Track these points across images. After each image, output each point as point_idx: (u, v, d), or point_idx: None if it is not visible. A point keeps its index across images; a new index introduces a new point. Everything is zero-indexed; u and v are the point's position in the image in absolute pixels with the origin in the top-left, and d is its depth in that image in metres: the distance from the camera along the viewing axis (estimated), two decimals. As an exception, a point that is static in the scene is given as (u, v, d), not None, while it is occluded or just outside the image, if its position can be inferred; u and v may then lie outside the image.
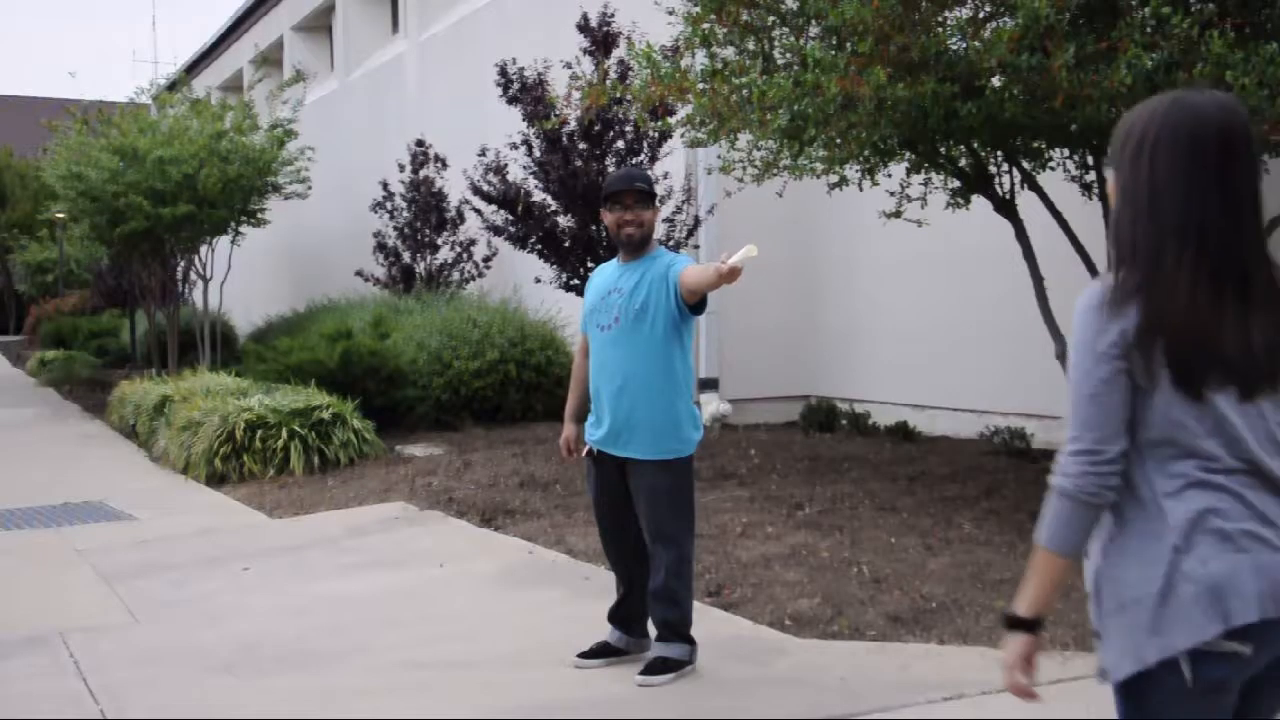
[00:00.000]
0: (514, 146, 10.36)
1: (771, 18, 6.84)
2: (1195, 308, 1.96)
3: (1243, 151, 1.99)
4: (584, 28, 9.98)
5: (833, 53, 6.04)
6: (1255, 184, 2.02)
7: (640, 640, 4.72)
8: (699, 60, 7.07)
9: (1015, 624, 2.12)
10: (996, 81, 6.12)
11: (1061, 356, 7.40)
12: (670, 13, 7.18)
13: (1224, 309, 1.96)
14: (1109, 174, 2.11)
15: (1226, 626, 1.91)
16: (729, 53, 7.01)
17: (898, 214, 7.68)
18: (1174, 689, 1.94)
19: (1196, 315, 1.96)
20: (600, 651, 4.73)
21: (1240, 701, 2.01)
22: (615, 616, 4.77)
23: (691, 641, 4.57)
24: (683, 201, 10.32)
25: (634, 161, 9.94)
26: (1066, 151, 7.31)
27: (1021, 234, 7.45)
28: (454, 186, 13.77)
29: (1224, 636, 1.91)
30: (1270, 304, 1.99)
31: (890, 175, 7.51)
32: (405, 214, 15.09)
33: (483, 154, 10.68)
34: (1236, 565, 1.93)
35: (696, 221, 10.35)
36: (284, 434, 9.60)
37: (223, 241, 17.92)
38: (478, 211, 11.23)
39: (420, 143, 15.08)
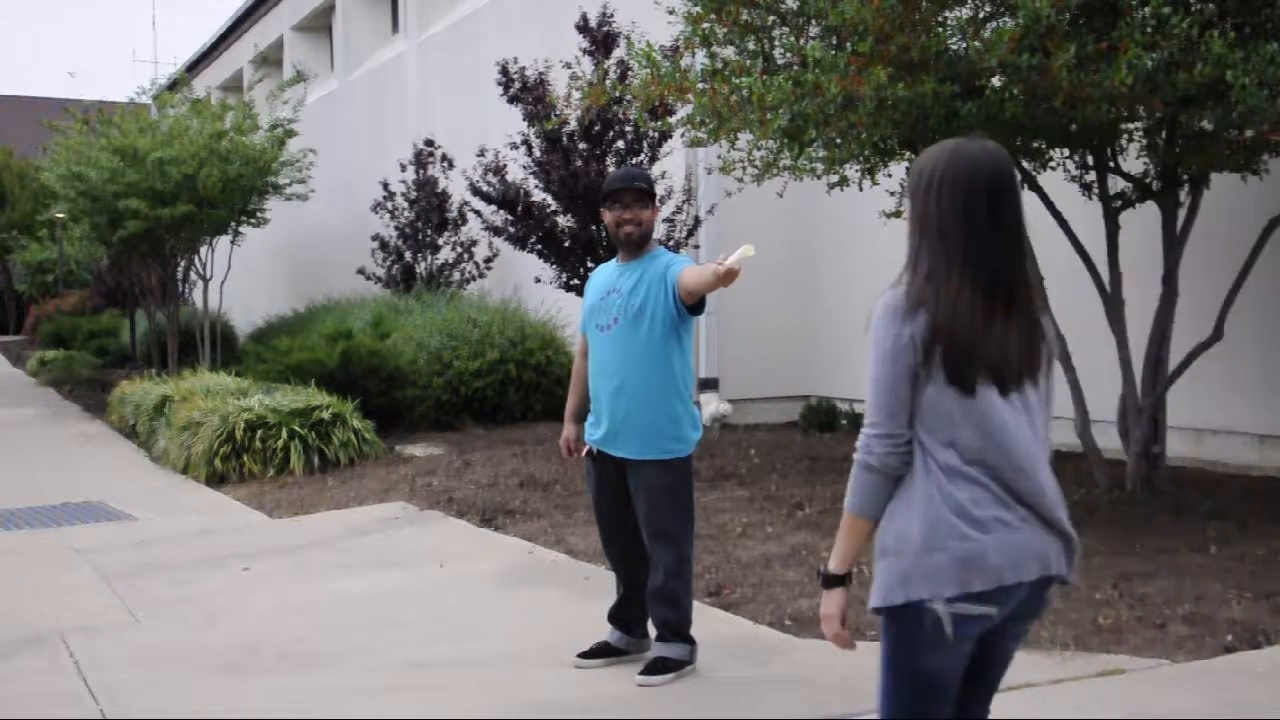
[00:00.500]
0: (514, 146, 10.36)
1: (771, 17, 6.84)
2: (968, 317, 2.37)
3: (1008, 192, 2.43)
4: (583, 28, 9.98)
5: (833, 52, 6.04)
6: (1018, 217, 2.44)
7: (640, 640, 4.71)
8: (699, 60, 7.07)
9: (831, 581, 2.52)
10: (996, 81, 6.12)
11: (1062, 356, 7.41)
12: (670, 12, 7.18)
13: (991, 319, 2.39)
14: (906, 205, 2.50)
15: (964, 591, 2.33)
16: (729, 52, 7.01)
17: (898, 214, 7.67)
18: (925, 632, 2.35)
19: (969, 323, 2.38)
20: (600, 652, 4.73)
21: (978, 649, 2.43)
22: (615, 617, 4.77)
23: (691, 641, 4.57)
24: (683, 201, 10.32)
25: (634, 161, 9.94)
26: (1066, 151, 7.31)
27: (1021, 234, 7.45)
28: (456, 186, 13.77)
29: (965, 599, 2.33)
30: (1025, 315, 2.45)
31: (890, 175, 7.50)
32: (407, 214, 15.08)
33: (482, 154, 10.68)
34: (982, 545, 2.35)
35: (696, 221, 10.35)
36: (284, 434, 9.60)
37: (223, 241, 17.92)
38: (477, 212, 11.23)
39: (430, 142, 15.07)
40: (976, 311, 2.39)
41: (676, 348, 4.46)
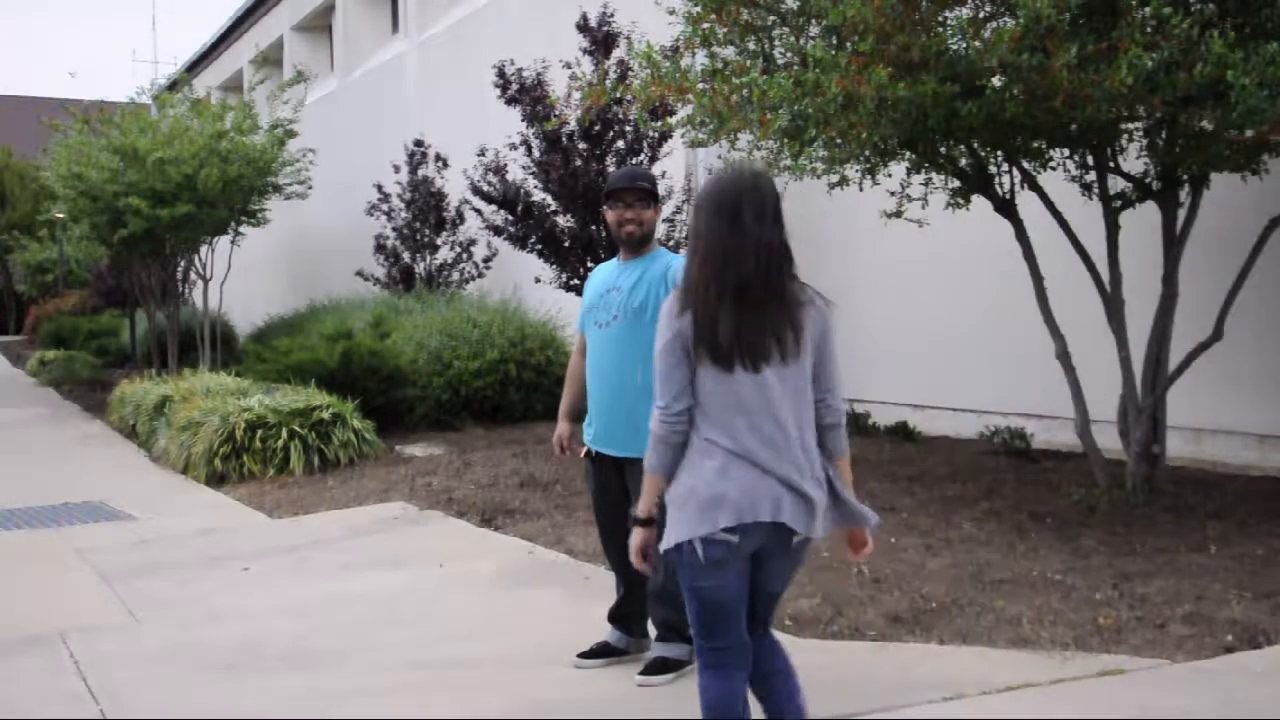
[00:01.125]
0: (513, 147, 10.36)
1: (772, 17, 6.84)
2: (720, 313, 3.03)
3: (752, 205, 3.08)
4: (583, 28, 9.98)
5: (833, 52, 6.04)
6: (760, 229, 3.07)
7: (640, 640, 4.71)
8: (699, 60, 7.07)
9: (638, 522, 3.24)
10: (997, 81, 6.12)
11: (1062, 356, 7.41)
12: (671, 12, 7.18)
13: (741, 313, 3.03)
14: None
15: (715, 528, 3.03)
16: (729, 52, 7.00)
17: (898, 214, 7.67)
18: (692, 560, 3.08)
19: (718, 316, 3.03)
20: (600, 652, 4.73)
21: (752, 567, 3.17)
22: (615, 616, 4.77)
23: (691, 641, 4.56)
24: (683, 201, 10.32)
25: (634, 161, 9.94)
26: (1066, 151, 7.31)
27: (1021, 234, 7.45)
28: (454, 186, 13.77)
29: (715, 533, 3.03)
30: (777, 306, 3.10)
31: (890, 175, 7.50)
32: (404, 215, 15.08)
33: (482, 154, 10.68)
34: (727, 492, 3.04)
35: (696, 221, 10.35)
36: (284, 434, 9.60)
37: (223, 241, 17.92)
38: (477, 211, 11.23)
39: (419, 143, 15.06)
40: (728, 308, 3.03)
41: None
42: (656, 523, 3.19)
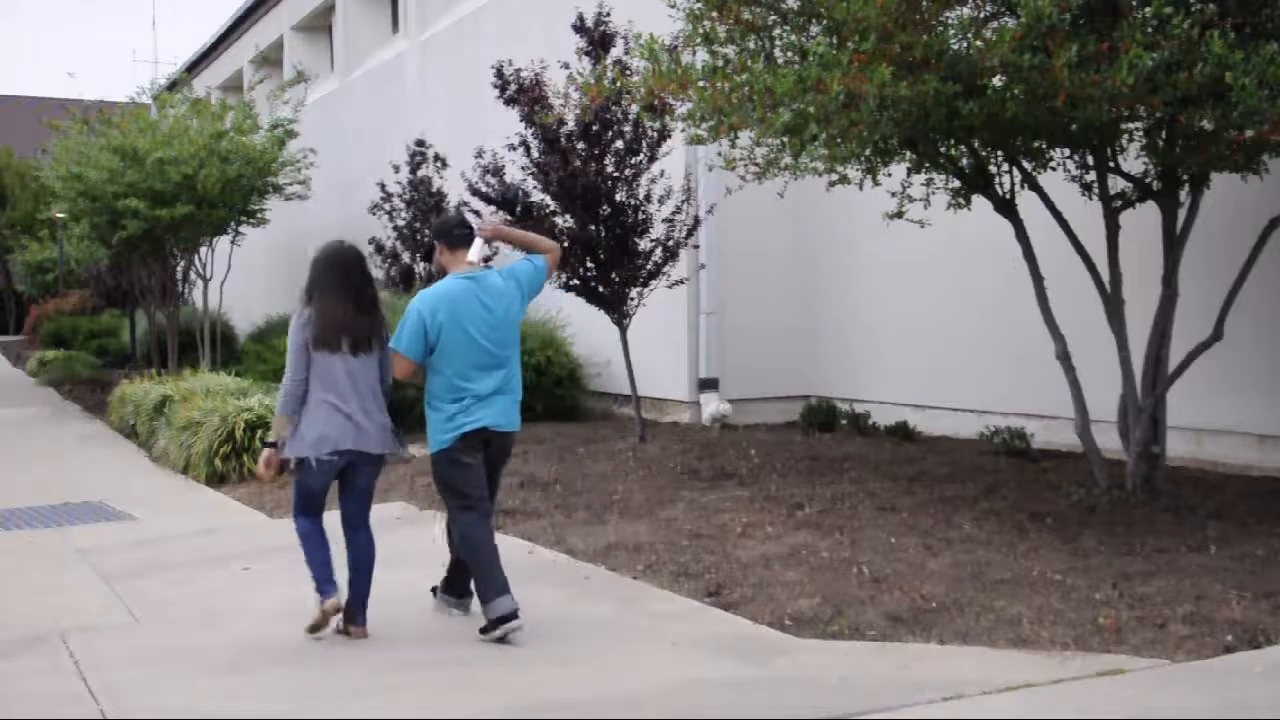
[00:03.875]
0: (512, 148, 10.34)
1: (772, 16, 6.84)
2: (331, 315, 5.15)
3: (349, 265, 5.27)
4: (580, 28, 9.96)
5: (834, 50, 6.03)
6: (354, 277, 5.26)
7: (464, 600, 5.52)
8: (700, 58, 7.07)
9: (267, 445, 5.28)
10: (998, 81, 6.12)
11: (1063, 356, 7.41)
12: (672, 6, 7.17)
13: (346, 315, 5.16)
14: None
15: (316, 454, 5.10)
16: (730, 50, 7.00)
17: (899, 214, 7.67)
18: (310, 470, 5.15)
19: (332, 319, 5.15)
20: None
21: (340, 478, 5.26)
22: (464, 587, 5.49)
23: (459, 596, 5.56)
24: (682, 201, 10.30)
25: (633, 161, 9.93)
26: (1067, 151, 7.31)
27: (1021, 234, 7.45)
28: (454, 187, 13.76)
29: (323, 456, 5.12)
30: (365, 314, 5.23)
31: (891, 175, 7.50)
32: (404, 215, 15.06)
33: (479, 155, 10.66)
34: (328, 431, 5.11)
35: (696, 221, 10.35)
36: (284, 434, 9.59)
37: (223, 241, 17.91)
38: (476, 213, 11.21)
39: (420, 143, 15.05)
40: (334, 316, 5.17)
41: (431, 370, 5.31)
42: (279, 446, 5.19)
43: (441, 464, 5.26)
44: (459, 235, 5.30)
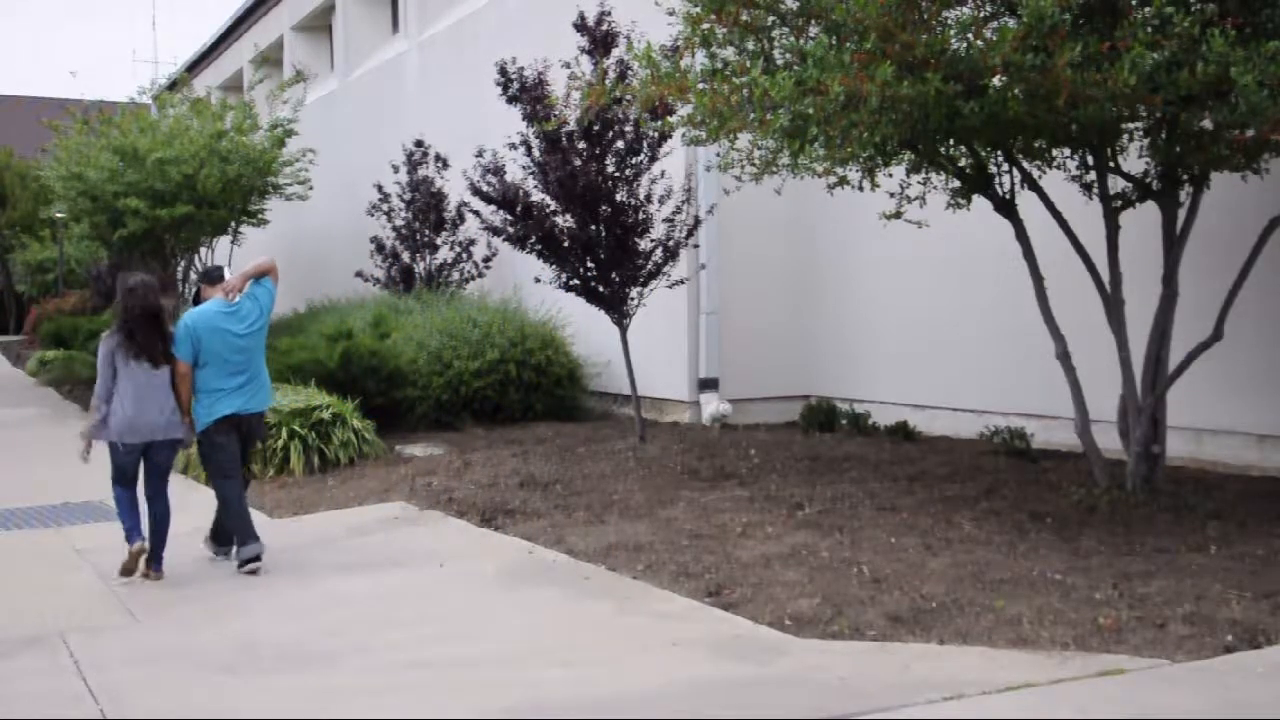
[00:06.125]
0: (513, 147, 10.34)
1: (771, 18, 6.84)
2: (128, 336, 6.48)
3: (140, 292, 6.53)
4: (581, 27, 9.96)
5: (834, 51, 6.03)
6: (141, 300, 6.52)
7: (227, 549, 6.86)
8: (699, 60, 7.07)
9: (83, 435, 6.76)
10: (998, 81, 6.12)
11: (1063, 356, 7.41)
12: (670, 13, 7.18)
13: (134, 338, 6.49)
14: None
15: (120, 440, 6.46)
16: (729, 53, 7.00)
17: (898, 215, 7.67)
18: (116, 450, 6.51)
19: (128, 339, 6.48)
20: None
21: (144, 459, 6.58)
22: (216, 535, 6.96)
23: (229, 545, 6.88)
24: (682, 201, 10.31)
25: (634, 161, 9.94)
26: (1067, 151, 7.31)
27: (1021, 234, 7.45)
28: (454, 187, 13.76)
29: (127, 441, 6.48)
30: (151, 334, 6.52)
31: (890, 175, 7.50)
32: (403, 215, 15.06)
33: (480, 154, 10.66)
34: (131, 423, 6.44)
35: (696, 221, 10.35)
36: (284, 434, 9.60)
37: (223, 241, 17.92)
38: (476, 213, 11.21)
39: (419, 143, 15.05)
40: (134, 333, 6.44)
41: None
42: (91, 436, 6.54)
43: (204, 443, 6.72)
44: (215, 276, 7.13)
